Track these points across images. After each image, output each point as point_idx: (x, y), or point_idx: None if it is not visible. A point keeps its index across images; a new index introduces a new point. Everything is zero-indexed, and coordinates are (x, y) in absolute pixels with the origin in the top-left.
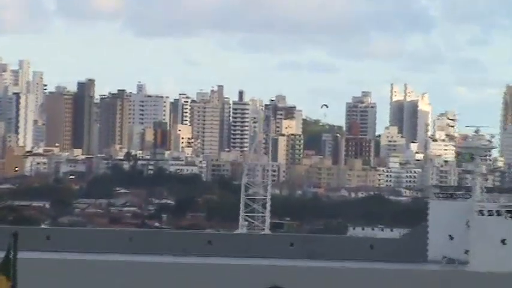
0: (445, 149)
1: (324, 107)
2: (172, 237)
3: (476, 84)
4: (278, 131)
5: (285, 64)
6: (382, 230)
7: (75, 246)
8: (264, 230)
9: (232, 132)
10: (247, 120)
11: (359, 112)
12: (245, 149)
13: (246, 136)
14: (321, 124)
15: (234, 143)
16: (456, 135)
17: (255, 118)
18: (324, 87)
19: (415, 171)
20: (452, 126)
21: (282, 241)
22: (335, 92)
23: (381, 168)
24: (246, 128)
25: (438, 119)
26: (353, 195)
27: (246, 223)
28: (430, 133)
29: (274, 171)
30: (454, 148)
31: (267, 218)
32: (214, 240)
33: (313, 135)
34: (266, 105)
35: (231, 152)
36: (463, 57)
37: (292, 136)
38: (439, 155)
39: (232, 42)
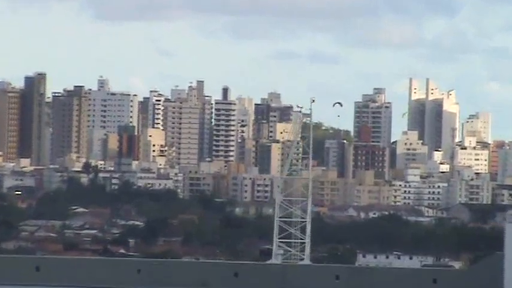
0: (477, 159)
1: (337, 105)
2: (188, 267)
3: None
4: (271, 137)
5: (280, 54)
6: (399, 257)
7: (66, 279)
8: (303, 259)
9: (215, 138)
10: (233, 123)
11: (370, 113)
12: (231, 158)
13: (231, 143)
14: (324, 128)
15: (216, 151)
16: (490, 141)
17: (242, 121)
18: (328, 82)
19: (439, 186)
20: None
21: (326, 273)
22: (341, 88)
23: (398, 183)
24: (232, 133)
25: (467, 121)
26: (363, 215)
27: (281, 251)
28: (457, 139)
29: (266, 185)
30: (487, 157)
31: (306, 245)
32: (241, 272)
33: (315, 142)
34: (257, 104)
35: (213, 163)
36: (496, 46)
37: (289, 143)
38: (469, 166)
39: (215, 28)
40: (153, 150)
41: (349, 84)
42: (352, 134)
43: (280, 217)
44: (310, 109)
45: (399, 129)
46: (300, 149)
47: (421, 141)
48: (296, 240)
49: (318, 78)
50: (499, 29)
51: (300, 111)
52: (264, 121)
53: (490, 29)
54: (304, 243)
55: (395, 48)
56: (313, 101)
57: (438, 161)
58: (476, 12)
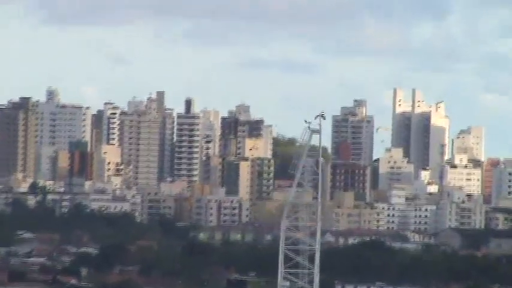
0: (468, 179)
1: (320, 118)
2: None
3: (509, 90)
4: (239, 154)
5: (250, 63)
6: None
7: None
8: None
9: (177, 155)
10: (197, 138)
11: (350, 128)
12: (194, 178)
13: (195, 161)
14: (298, 144)
15: (178, 170)
16: (483, 159)
17: (208, 136)
18: (303, 94)
19: (426, 209)
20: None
21: None
22: (317, 100)
23: (381, 205)
24: (196, 150)
25: (458, 137)
26: (342, 241)
27: (288, 283)
28: (447, 157)
29: (234, 208)
30: (480, 177)
31: (315, 276)
32: None
33: (288, 160)
34: (224, 118)
35: (174, 183)
36: (491, 53)
37: (259, 160)
38: (460, 187)
39: (177, 32)
40: (108, 169)
41: (327, 95)
42: (329, 151)
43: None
44: (320, 124)
45: (382, 145)
46: (272, 168)
47: (407, 159)
48: (303, 271)
49: (292, 89)
50: (494, 35)
51: (309, 127)
52: (232, 136)
53: (483, 35)
54: (312, 273)
55: (378, 55)
56: (323, 115)
57: (425, 181)
58: (468, 16)
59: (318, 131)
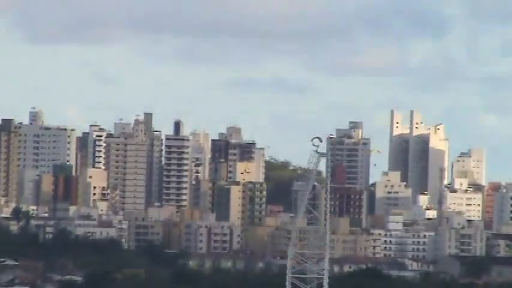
0: (469, 204)
1: (316, 140)
2: None
3: (511, 111)
4: (230, 178)
5: (240, 82)
6: None
7: None
8: None
9: (165, 179)
10: (186, 162)
11: (346, 151)
12: (183, 203)
13: (184, 185)
14: (291, 168)
15: (167, 194)
16: (484, 183)
17: (197, 159)
18: (296, 115)
19: (425, 236)
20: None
21: None
22: (311, 122)
23: (377, 231)
24: (185, 174)
25: (458, 160)
26: (337, 268)
27: None
28: (446, 181)
29: (225, 234)
30: (481, 202)
31: None
32: None
33: (281, 184)
34: (214, 140)
35: (163, 208)
36: (492, 72)
37: (251, 185)
38: (460, 213)
39: (164, 51)
40: (94, 194)
41: (321, 117)
42: (324, 174)
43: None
44: (327, 148)
45: (379, 169)
46: (264, 192)
47: (404, 183)
48: None
49: (284, 110)
50: (495, 53)
51: (317, 151)
52: (222, 160)
53: (484, 53)
54: None
55: (375, 75)
56: (332, 137)
57: (424, 206)
58: (468, 34)
59: (325, 155)
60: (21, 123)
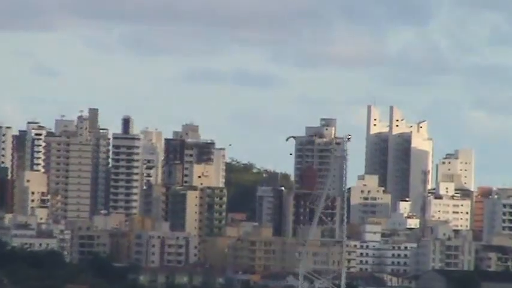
0: (456, 212)
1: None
2: None
3: (501, 107)
4: (186, 182)
5: (198, 75)
6: None
7: None
8: None
9: (113, 183)
10: (136, 164)
11: (316, 152)
12: (133, 210)
13: (134, 190)
14: (255, 171)
15: (115, 201)
16: (473, 188)
17: (149, 162)
18: (260, 111)
19: (406, 248)
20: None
21: None
22: (278, 119)
23: (352, 242)
24: (135, 177)
25: (444, 162)
26: (307, 284)
27: None
28: (430, 186)
29: (180, 246)
30: (469, 210)
31: None
32: None
33: (243, 189)
34: (167, 140)
35: (110, 216)
36: (481, 64)
37: (210, 190)
38: (446, 222)
39: (111, 40)
40: (32, 200)
41: (288, 113)
42: (292, 178)
43: None
44: (345, 150)
45: (354, 172)
46: (224, 199)
47: (383, 188)
48: None
49: (247, 106)
50: (483, 43)
51: (334, 154)
52: (177, 161)
53: (472, 43)
54: None
55: (349, 66)
56: (349, 138)
57: (405, 215)
58: (454, 22)
59: (344, 157)
60: None
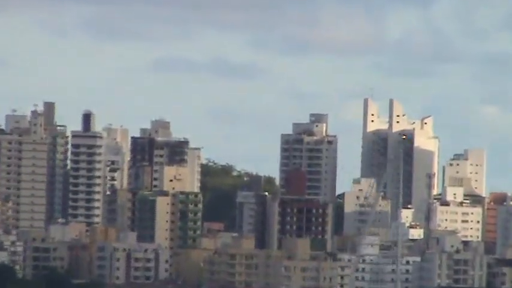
0: (465, 221)
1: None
2: None
3: None
4: (156, 187)
5: (169, 63)
6: None
7: None
8: None
9: (72, 188)
10: (98, 166)
11: (305, 152)
12: (95, 219)
13: (96, 196)
14: (235, 173)
15: (74, 208)
16: (485, 194)
17: (113, 163)
18: (241, 106)
19: (408, 262)
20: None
21: None
22: (261, 114)
23: (346, 256)
24: (97, 181)
25: (451, 164)
26: None
27: None
28: (436, 191)
29: (149, 260)
30: (481, 218)
31: None
32: None
33: (222, 195)
34: (134, 138)
35: (69, 225)
36: (493, 52)
37: (183, 196)
38: (454, 232)
39: (71, 24)
40: None
41: (273, 108)
42: (277, 182)
43: None
44: (401, 151)
45: (349, 176)
46: (200, 206)
47: (381, 193)
48: None
49: (226, 100)
50: (497, 27)
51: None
52: (146, 163)
53: (481, 28)
54: None
55: (342, 54)
56: (404, 138)
57: (407, 224)
58: (462, 2)
59: (394, 160)
60: None
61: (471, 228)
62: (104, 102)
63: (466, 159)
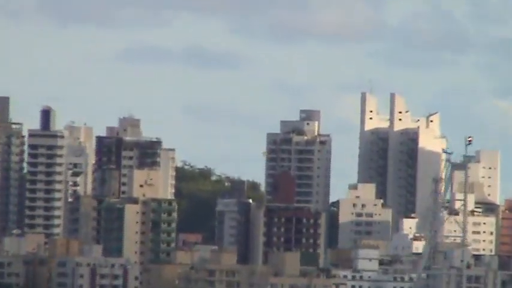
0: (477, 232)
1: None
2: None
3: None
4: (124, 193)
5: (139, 53)
6: None
7: None
8: None
9: (29, 195)
10: (59, 169)
11: (295, 154)
12: (55, 230)
13: (56, 204)
14: (214, 178)
15: (31, 217)
16: (499, 201)
17: (75, 166)
18: (220, 100)
19: (411, 278)
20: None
21: None
22: (243, 110)
23: (342, 272)
24: (58, 187)
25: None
26: None
27: None
28: (443, 197)
29: (116, 276)
30: (494, 229)
31: None
32: None
33: (199, 202)
34: (99, 138)
35: (25, 237)
36: (507, 39)
37: (155, 203)
38: (464, 244)
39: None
40: None
41: (258, 103)
42: (263, 188)
43: None
44: (464, 155)
45: (345, 181)
46: (174, 215)
47: (381, 200)
48: None
49: (204, 94)
50: (509, 13)
51: (449, 160)
52: (113, 166)
53: (496, 11)
54: None
55: (336, 42)
56: (470, 141)
57: (410, 236)
58: None
59: (463, 166)
60: None
61: (483, 241)
62: (66, 97)
63: (478, 161)
